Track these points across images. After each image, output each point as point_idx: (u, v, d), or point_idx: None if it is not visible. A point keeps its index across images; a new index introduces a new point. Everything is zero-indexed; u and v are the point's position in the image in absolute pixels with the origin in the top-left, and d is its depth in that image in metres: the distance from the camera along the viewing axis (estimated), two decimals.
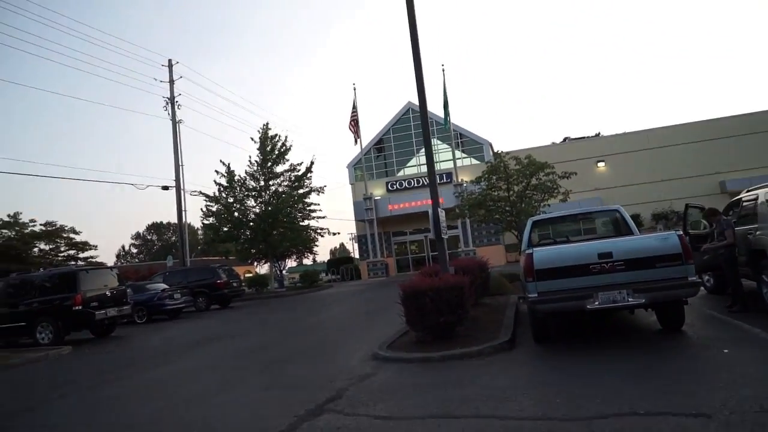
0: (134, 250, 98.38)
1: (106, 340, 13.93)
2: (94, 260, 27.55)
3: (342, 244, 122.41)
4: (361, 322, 11.88)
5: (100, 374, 8.69)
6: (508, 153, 14.92)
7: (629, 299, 6.41)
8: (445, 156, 34.97)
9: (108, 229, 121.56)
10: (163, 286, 19.44)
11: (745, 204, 8.69)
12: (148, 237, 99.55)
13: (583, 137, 42.01)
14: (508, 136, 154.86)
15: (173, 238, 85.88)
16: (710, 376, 4.80)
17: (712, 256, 8.52)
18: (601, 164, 35.55)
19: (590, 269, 6.51)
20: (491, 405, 4.67)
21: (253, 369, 7.74)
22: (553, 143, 39.25)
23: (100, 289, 14.13)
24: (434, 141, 34.94)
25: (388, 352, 7.44)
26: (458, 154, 34.24)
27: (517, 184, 14.79)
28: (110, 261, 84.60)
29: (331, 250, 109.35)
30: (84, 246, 27.35)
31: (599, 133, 42.62)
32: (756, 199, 8.22)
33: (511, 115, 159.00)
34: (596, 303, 6.49)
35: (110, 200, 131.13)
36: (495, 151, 14.75)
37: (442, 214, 8.77)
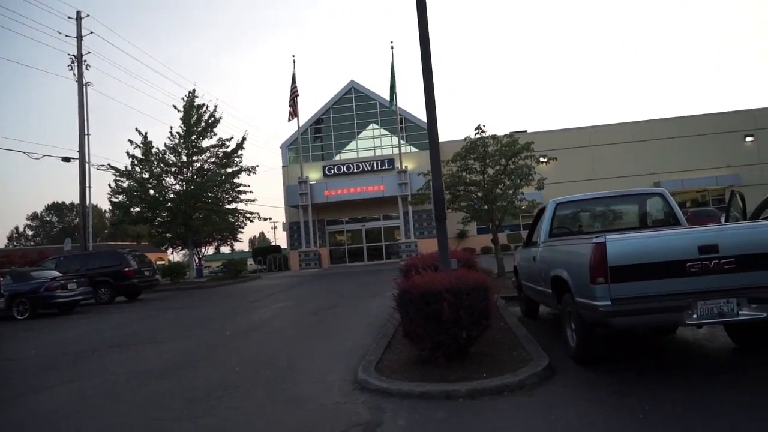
0: (30, 233, 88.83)
1: None
2: None
3: (262, 233, 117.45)
4: (316, 326, 9.39)
5: None
6: (483, 131, 12.89)
7: (742, 312, 4.52)
8: (386, 141, 32.86)
9: None
10: (55, 273, 15.83)
11: None
12: (47, 218, 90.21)
13: (522, 131, 41.34)
14: (447, 128, 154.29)
15: (76, 221, 77.89)
16: None
17: None
18: (542, 159, 34.87)
19: (687, 268, 4.55)
20: None
21: (177, 403, 5.11)
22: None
23: None
24: (375, 125, 32.81)
25: (382, 380, 5.11)
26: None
27: (493, 167, 12.91)
28: None
29: (250, 239, 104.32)
30: None
31: (526, 131, 42.04)
32: None
33: (451, 107, 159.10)
34: (694, 316, 4.56)
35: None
36: (478, 125, 12.68)
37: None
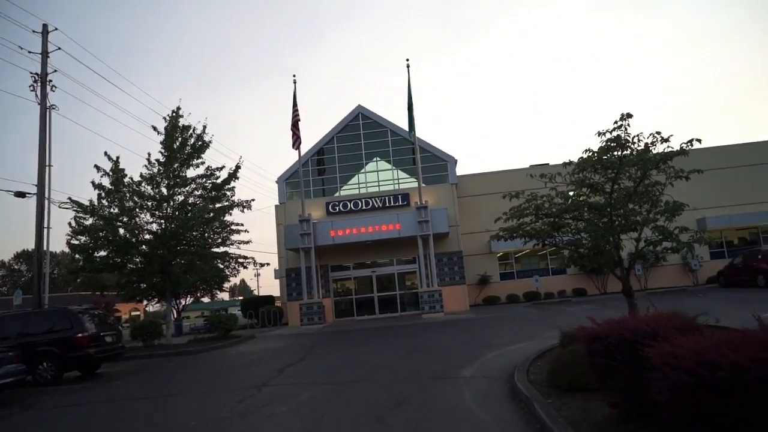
0: None
1: None
2: None
3: (243, 281, 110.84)
4: None
5: None
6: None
7: None
8: (396, 175, 28.77)
9: None
10: None
11: None
12: (15, 267, 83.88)
13: (543, 164, 37.67)
14: (469, 160, 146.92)
15: (52, 270, 71.55)
16: None
17: None
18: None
19: None
20: None
21: None
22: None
23: None
24: (385, 156, 28.88)
25: None
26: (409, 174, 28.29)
27: (621, 184, 8.76)
28: None
29: (230, 287, 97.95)
30: None
31: (547, 163, 38.35)
32: None
33: (472, 136, 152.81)
34: None
35: None
36: (623, 114, 8.37)
37: None
